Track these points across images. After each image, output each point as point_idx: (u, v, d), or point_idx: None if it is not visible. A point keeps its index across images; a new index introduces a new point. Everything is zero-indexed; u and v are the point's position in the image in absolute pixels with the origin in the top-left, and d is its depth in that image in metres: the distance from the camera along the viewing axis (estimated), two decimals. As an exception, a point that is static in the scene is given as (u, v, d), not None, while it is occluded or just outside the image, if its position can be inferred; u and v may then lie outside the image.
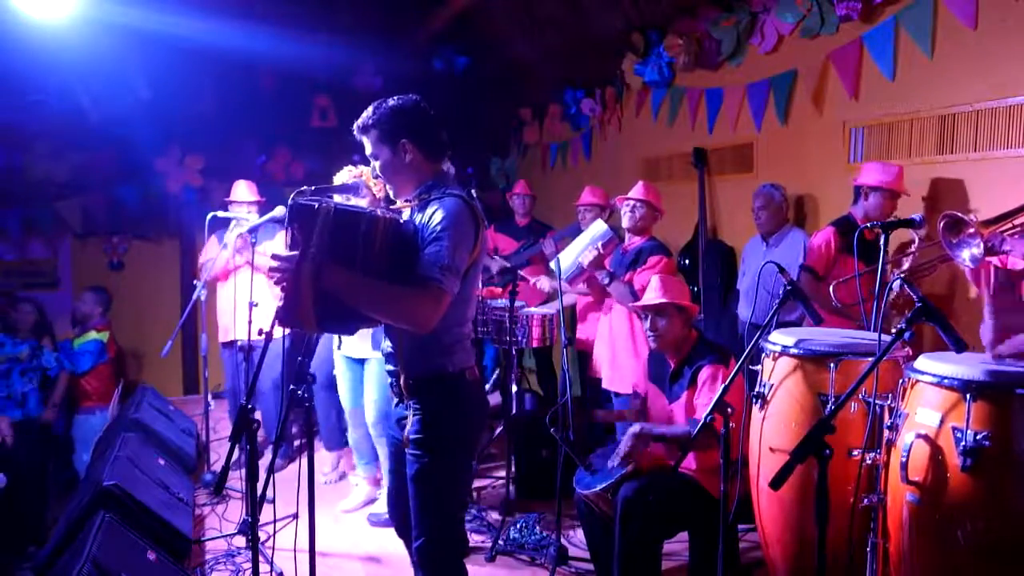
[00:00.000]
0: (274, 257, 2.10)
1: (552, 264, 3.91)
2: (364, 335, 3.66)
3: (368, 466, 4.23)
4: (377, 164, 2.29)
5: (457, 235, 2.11)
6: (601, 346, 4.12)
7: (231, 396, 4.97)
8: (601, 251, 3.83)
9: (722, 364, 2.93)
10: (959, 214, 2.16)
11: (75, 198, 6.53)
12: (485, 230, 2.26)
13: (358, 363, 3.93)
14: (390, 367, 2.31)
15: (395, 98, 2.26)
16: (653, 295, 3.06)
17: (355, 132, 2.30)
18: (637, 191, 3.98)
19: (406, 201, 2.31)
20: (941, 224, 2.20)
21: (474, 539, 3.73)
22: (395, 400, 2.36)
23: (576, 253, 3.90)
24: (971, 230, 2.10)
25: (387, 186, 2.37)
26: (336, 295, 2.04)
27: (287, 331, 4.45)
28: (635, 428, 2.96)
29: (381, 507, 3.91)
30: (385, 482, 3.89)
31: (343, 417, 4.28)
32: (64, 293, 6.58)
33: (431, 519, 2.23)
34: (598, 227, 3.91)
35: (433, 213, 2.14)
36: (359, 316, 2.13)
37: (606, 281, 3.84)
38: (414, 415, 2.23)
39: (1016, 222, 2.14)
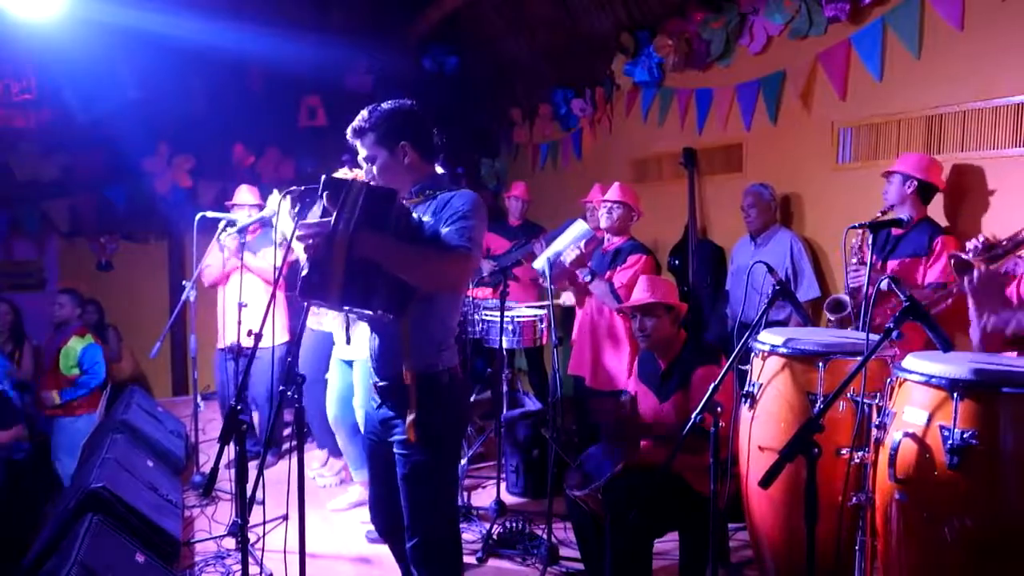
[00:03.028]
0: (300, 226, 2.12)
1: (538, 264, 3.92)
2: (362, 337, 3.62)
3: (361, 471, 4.17)
4: (373, 167, 2.30)
5: (477, 219, 2.17)
6: (583, 344, 4.14)
7: (220, 401, 4.94)
8: (583, 250, 3.91)
9: (715, 364, 2.93)
10: (963, 256, 2.34)
11: (63, 198, 6.47)
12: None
13: (349, 365, 3.90)
14: (376, 366, 2.30)
15: (390, 102, 2.30)
16: (641, 295, 3.06)
17: (349, 137, 2.31)
18: (613, 192, 4.06)
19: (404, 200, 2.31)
20: (952, 264, 2.40)
21: (465, 539, 3.72)
22: (377, 402, 2.36)
23: (558, 252, 3.94)
24: (975, 271, 2.26)
25: None
26: (368, 261, 2.04)
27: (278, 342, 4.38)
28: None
29: None
30: None
31: None
32: (50, 294, 6.53)
33: (426, 518, 2.23)
34: (579, 227, 3.95)
35: (452, 199, 2.20)
36: (381, 291, 2.09)
37: (588, 279, 3.91)
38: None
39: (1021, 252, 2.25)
